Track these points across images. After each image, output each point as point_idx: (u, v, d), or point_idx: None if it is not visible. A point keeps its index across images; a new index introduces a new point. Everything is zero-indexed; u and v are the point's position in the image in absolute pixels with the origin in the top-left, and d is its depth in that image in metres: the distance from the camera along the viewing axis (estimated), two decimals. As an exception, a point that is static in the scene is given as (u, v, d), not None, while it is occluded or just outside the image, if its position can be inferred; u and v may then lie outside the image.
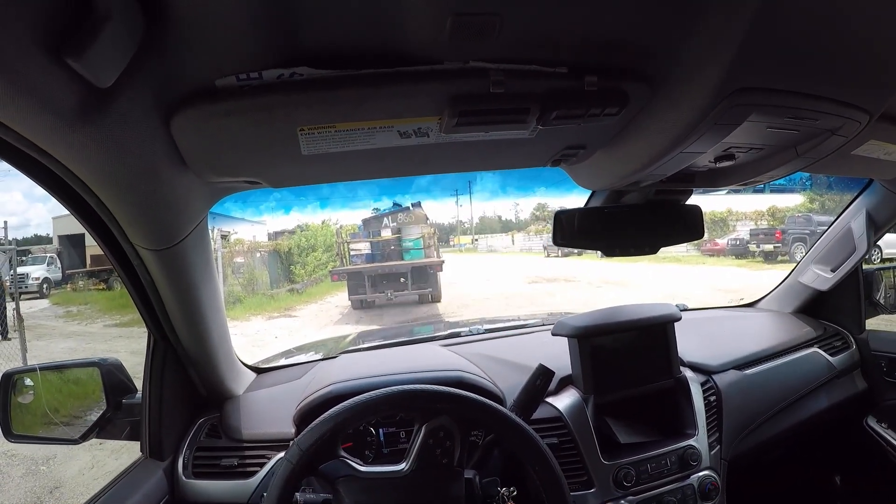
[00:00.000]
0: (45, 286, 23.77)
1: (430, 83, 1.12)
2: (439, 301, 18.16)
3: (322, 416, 1.62)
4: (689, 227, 2.06)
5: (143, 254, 1.61)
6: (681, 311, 2.44)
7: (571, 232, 2.00)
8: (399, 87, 1.12)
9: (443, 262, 18.64)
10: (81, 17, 0.80)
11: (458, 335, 2.97)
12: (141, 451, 2.07)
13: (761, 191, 25.29)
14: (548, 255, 30.91)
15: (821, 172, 2.41)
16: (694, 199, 2.05)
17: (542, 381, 1.95)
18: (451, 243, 37.73)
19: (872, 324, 3.22)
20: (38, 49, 0.81)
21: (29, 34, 0.79)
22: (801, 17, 0.97)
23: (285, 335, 14.50)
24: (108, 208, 1.37)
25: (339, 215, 27.28)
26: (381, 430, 2.15)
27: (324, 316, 17.84)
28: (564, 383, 2.30)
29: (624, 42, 1.10)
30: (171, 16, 0.89)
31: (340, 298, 19.32)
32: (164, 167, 1.30)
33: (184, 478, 2.06)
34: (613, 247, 2.04)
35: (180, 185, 1.42)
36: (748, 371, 2.67)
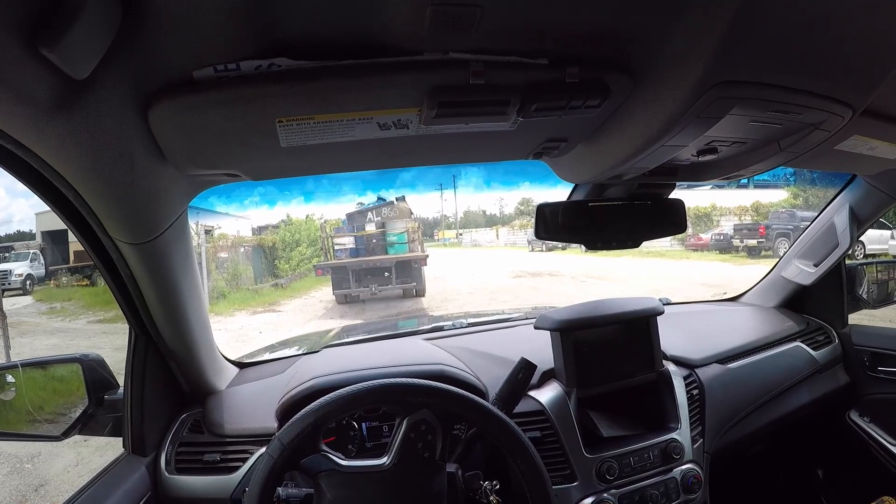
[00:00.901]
0: (28, 283, 23.66)
1: (410, 74, 1.12)
2: (423, 295, 18.21)
3: (303, 410, 1.62)
4: (672, 220, 2.06)
5: (122, 247, 1.60)
6: (664, 304, 2.44)
7: (554, 225, 1.99)
8: (378, 78, 1.12)
9: (427, 256, 18.70)
10: (55, 6, 0.79)
11: (441, 329, 2.97)
12: (123, 447, 2.06)
13: (745, 186, 25.54)
14: (532, 250, 30.99)
15: (804, 167, 2.41)
16: (677, 194, 2.06)
17: (524, 374, 1.94)
18: (436, 238, 37.87)
19: (855, 318, 3.24)
20: (11, 39, 0.80)
21: (2, 24, 0.78)
22: (784, 10, 0.97)
23: (269, 330, 14.50)
24: (87, 201, 1.36)
25: (324, 209, 27.37)
26: (363, 425, 2.15)
27: (308, 311, 17.80)
28: (547, 377, 2.30)
29: (606, 33, 1.10)
30: (147, 5, 0.88)
31: (325, 293, 19.33)
32: (143, 160, 1.28)
33: (166, 473, 2.05)
34: (596, 240, 2.04)
35: (159, 178, 1.41)
36: (731, 365, 2.68)
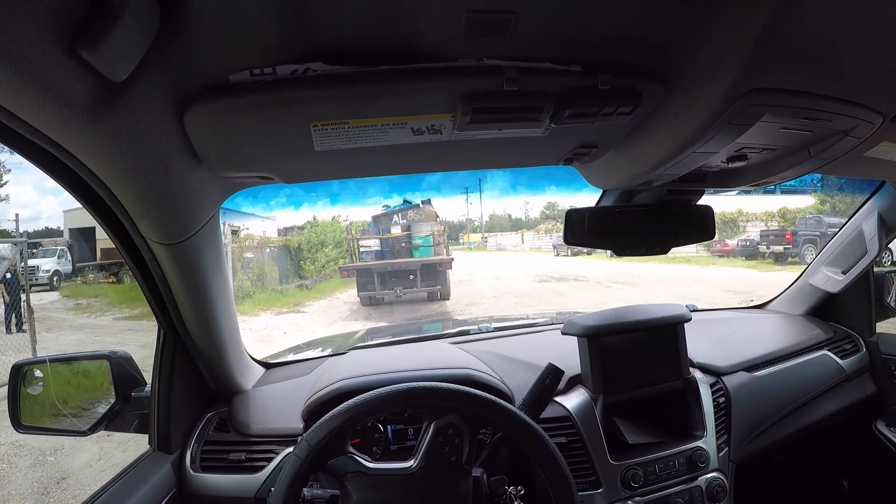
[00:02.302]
0: (55, 279, 23.83)
1: (444, 80, 1.12)
2: (448, 299, 18.13)
3: (331, 411, 1.62)
4: (700, 227, 2.05)
5: (154, 247, 1.62)
6: (690, 311, 2.43)
7: (583, 231, 1.99)
8: (413, 84, 1.12)
9: (452, 259, 18.61)
10: (96, 10, 0.80)
11: (467, 333, 2.98)
12: (149, 443, 2.08)
13: (772, 192, 25.21)
14: (557, 255, 30.85)
15: (833, 174, 2.40)
16: (704, 200, 2.05)
17: (551, 379, 1.94)
18: (461, 241, 37.70)
19: (883, 327, 3.20)
20: (52, 42, 0.81)
21: (43, 26, 0.78)
22: (816, 18, 0.96)
23: (294, 330, 14.53)
24: (121, 202, 1.38)
25: (350, 212, 27.33)
26: (389, 427, 2.16)
27: (333, 312, 17.79)
28: (573, 383, 2.29)
29: (639, 41, 1.09)
30: (186, 9, 0.89)
31: (349, 295, 19.30)
32: (177, 161, 1.30)
33: (191, 471, 2.07)
34: (625, 246, 2.04)
35: (193, 180, 1.42)
36: (757, 373, 2.66)
